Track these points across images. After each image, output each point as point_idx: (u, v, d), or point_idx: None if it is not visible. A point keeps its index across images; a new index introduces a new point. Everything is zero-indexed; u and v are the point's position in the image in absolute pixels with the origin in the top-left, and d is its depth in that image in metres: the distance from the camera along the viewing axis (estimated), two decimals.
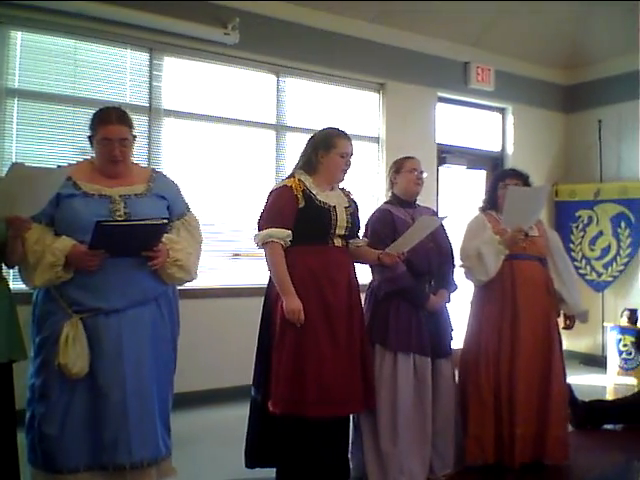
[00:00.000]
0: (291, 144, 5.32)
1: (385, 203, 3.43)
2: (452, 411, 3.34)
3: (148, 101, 4.72)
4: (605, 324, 6.11)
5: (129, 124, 2.59)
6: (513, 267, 3.42)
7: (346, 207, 3.01)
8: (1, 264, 2.52)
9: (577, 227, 6.63)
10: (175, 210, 2.71)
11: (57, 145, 4.34)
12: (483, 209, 3.68)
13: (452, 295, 3.38)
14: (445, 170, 6.29)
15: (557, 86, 7.01)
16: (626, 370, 5.61)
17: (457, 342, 3.46)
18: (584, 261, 6.52)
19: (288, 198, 2.87)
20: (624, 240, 6.29)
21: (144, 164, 4.36)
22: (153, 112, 4.72)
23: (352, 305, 2.94)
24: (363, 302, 3.14)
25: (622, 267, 6.28)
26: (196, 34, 4.74)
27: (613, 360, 5.74)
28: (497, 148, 6.73)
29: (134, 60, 4.69)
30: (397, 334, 3.14)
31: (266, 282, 3.04)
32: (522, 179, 3.56)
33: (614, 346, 5.75)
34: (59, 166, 2.73)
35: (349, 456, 3.13)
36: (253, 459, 3.03)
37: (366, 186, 5.62)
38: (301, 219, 2.86)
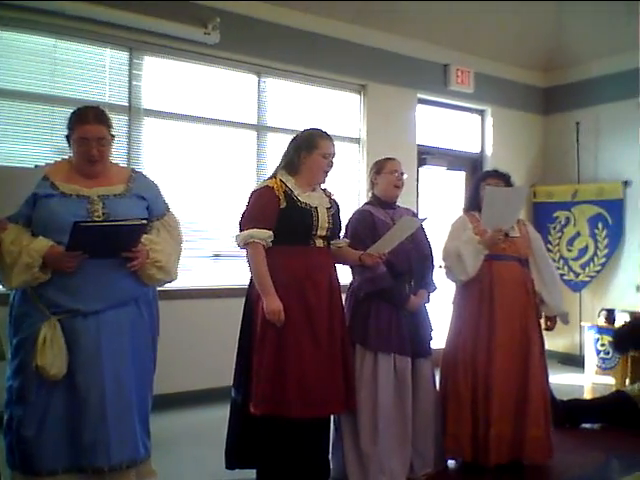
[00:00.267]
0: (272, 144, 5.31)
1: (365, 204, 3.45)
2: (432, 410, 3.35)
3: (128, 100, 4.68)
4: (583, 324, 6.18)
5: (107, 123, 2.57)
6: (492, 267, 3.45)
7: (328, 208, 3.01)
8: None
9: (555, 228, 6.71)
10: (155, 210, 2.69)
11: (35, 145, 4.29)
12: (466, 209, 3.70)
13: (431, 295, 3.41)
14: (425, 171, 6.32)
15: (536, 88, 7.09)
16: (604, 369, 5.68)
17: (437, 342, 3.48)
18: (562, 261, 6.59)
19: (270, 198, 2.87)
20: (601, 241, 6.37)
21: (124, 164, 4.33)
22: (133, 112, 4.69)
23: (333, 306, 2.95)
24: (344, 302, 3.15)
25: (599, 267, 6.36)
26: (176, 34, 4.72)
27: (591, 359, 5.81)
28: (476, 149, 6.78)
29: (114, 59, 4.65)
30: (377, 334, 3.15)
31: (247, 283, 3.03)
32: (504, 180, 3.60)
33: (592, 346, 5.82)
34: (37, 166, 2.70)
35: (329, 456, 3.14)
36: (233, 460, 3.03)
37: (347, 187, 5.63)
38: (283, 220, 2.86)
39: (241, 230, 2.89)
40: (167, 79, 4.90)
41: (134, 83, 4.71)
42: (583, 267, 6.47)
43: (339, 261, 3.15)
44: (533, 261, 3.60)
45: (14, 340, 2.49)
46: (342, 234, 3.22)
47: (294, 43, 5.32)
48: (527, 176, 6.77)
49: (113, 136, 2.61)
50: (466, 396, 3.39)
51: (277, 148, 5.04)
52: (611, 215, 6.31)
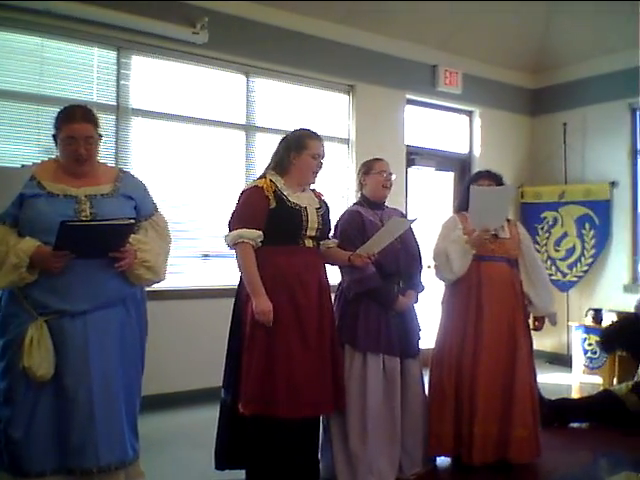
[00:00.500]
0: (261, 144, 5.30)
1: (354, 204, 3.45)
2: (420, 410, 3.36)
3: (115, 100, 4.65)
4: (570, 323, 6.22)
5: (94, 122, 2.55)
6: (480, 268, 3.46)
7: (317, 208, 3.01)
8: None
9: (542, 228, 6.74)
10: (143, 210, 2.68)
11: (22, 144, 4.26)
12: (457, 210, 3.71)
13: (419, 296, 3.41)
14: (414, 171, 6.33)
15: (523, 89, 7.12)
16: (591, 369, 5.72)
17: (425, 342, 3.49)
18: (549, 262, 6.62)
19: (259, 199, 2.86)
20: (588, 241, 6.42)
21: (112, 164, 4.30)
22: (121, 111, 4.66)
23: (323, 306, 2.94)
24: (333, 303, 3.15)
25: (586, 267, 6.40)
26: (164, 33, 4.70)
27: (578, 359, 5.85)
28: (465, 150, 6.81)
29: (101, 59, 4.62)
30: (366, 334, 3.15)
31: (236, 283, 3.03)
32: (496, 180, 3.60)
33: (579, 345, 5.86)
34: (23, 165, 2.68)
35: (319, 457, 3.13)
36: (223, 461, 3.02)
37: (336, 187, 5.63)
38: (272, 220, 2.86)
39: (230, 230, 2.88)
40: (155, 79, 4.88)
41: (122, 82, 4.68)
42: (570, 267, 6.51)
43: (328, 261, 3.15)
44: (522, 262, 3.61)
45: (1, 341, 2.46)
46: (331, 234, 3.22)
47: (283, 43, 5.32)
48: (515, 177, 6.80)
49: (100, 135, 2.59)
50: (450, 395, 3.41)
51: (266, 148, 5.04)
52: (598, 215, 6.36)
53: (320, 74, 5.60)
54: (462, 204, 3.65)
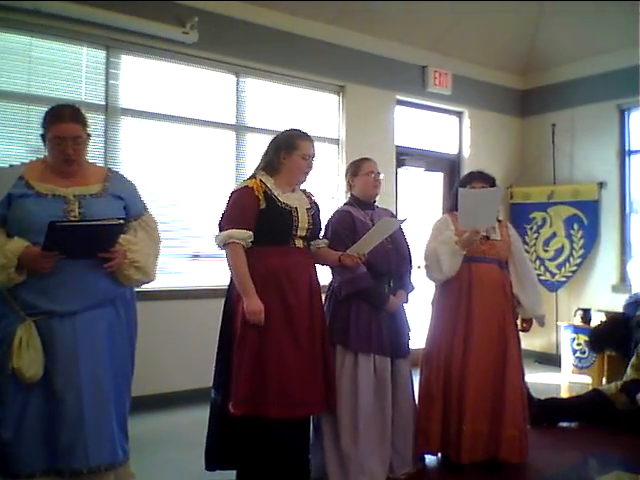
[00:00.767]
0: (251, 145, 5.29)
1: (345, 204, 3.45)
2: (410, 410, 3.37)
3: (104, 99, 4.63)
4: (559, 323, 6.25)
5: (83, 122, 2.53)
6: (471, 269, 3.47)
7: (307, 209, 3.01)
8: None
9: (531, 228, 6.78)
10: (132, 210, 2.66)
11: (10, 144, 4.23)
12: (449, 209, 3.72)
13: (410, 296, 3.42)
14: (403, 172, 6.34)
15: (513, 90, 7.16)
16: (580, 368, 5.75)
17: (415, 342, 3.50)
18: (538, 262, 6.66)
19: (249, 199, 2.86)
20: (577, 241, 6.46)
21: (101, 164, 4.29)
22: (110, 111, 4.64)
23: (313, 306, 2.94)
24: (324, 303, 3.15)
25: (575, 267, 6.44)
26: (154, 32, 4.69)
27: (567, 359, 5.87)
28: (454, 151, 6.83)
29: (90, 58, 4.60)
30: (358, 335, 3.16)
31: (226, 283, 3.02)
32: (489, 182, 3.61)
33: (568, 345, 5.88)
34: (12, 165, 2.66)
35: (309, 457, 3.13)
36: (213, 462, 3.01)
37: (326, 187, 5.63)
38: (262, 220, 2.85)
39: (220, 230, 2.88)
40: (145, 78, 4.86)
41: (111, 82, 4.66)
42: (559, 267, 6.55)
43: (319, 262, 3.15)
44: (512, 263, 3.62)
45: None
46: (322, 235, 3.22)
47: (273, 43, 5.31)
48: (504, 177, 6.83)
49: (89, 135, 2.58)
50: (438, 395, 3.42)
51: (256, 148, 5.03)
52: (587, 216, 6.40)
53: (310, 74, 5.60)
54: (454, 204, 3.65)
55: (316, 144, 3.11)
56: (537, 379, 5.61)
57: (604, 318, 5.64)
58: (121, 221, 2.49)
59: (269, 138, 3.10)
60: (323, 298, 3.13)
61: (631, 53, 5.81)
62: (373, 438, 3.17)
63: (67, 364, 2.41)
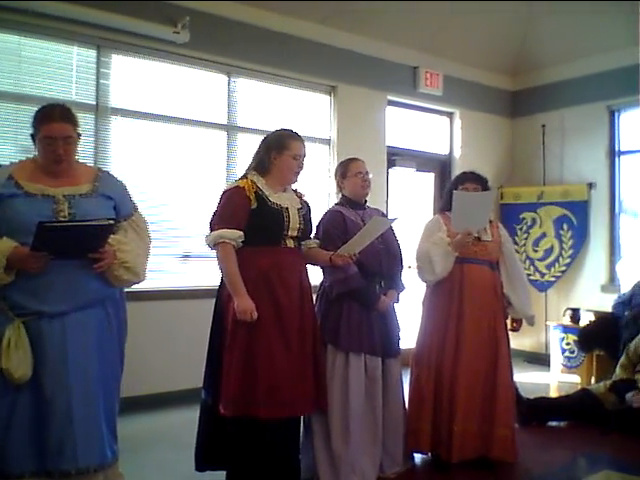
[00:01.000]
0: (242, 145, 5.29)
1: (336, 204, 3.46)
2: (400, 410, 3.38)
3: (95, 99, 4.61)
4: (548, 323, 6.28)
5: (73, 122, 2.52)
6: (463, 270, 3.49)
7: (299, 209, 3.01)
8: None
9: (521, 229, 6.81)
10: (122, 210, 2.65)
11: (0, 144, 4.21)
12: (441, 210, 3.74)
13: (400, 295, 3.43)
14: (394, 172, 6.35)
15: (503, 91, 7.19)
16: (569, 368, 5.79)
17: (405, 342, 3.51)
18: (528, 262, 6.69)
19: (240, 199, 2.86)
20: (566, 241, 6.49)
21: (91, 164, 4.27)
22: (100, 110, 4.62)
23: (304, 306, 2.94)
24: (314, 303, 3.15)
25: (564, 267, 6.47)
26: (145, 32, 4.67)
27: (556, 358, 5.91)
28: (445, 151, 6.85)
29: (81, 57, 4.57)
30: (349, 334, 3.16)
31: (217, 284, 3.02)
32: (481, 183, 3.63)
33: (557, 344, 5.92)
34: (0, 165, 2.64)
35: (299, 457, 3.13)
36: (203, 462, 3.01)
37: (317, 187, 5.63)
38: (253, 220, 2.85)
39: (211, 230, 2.88)
40: (135, 78, 4.84)
41: (102, 81, 4.64)
42: (549, 267, 6.58)
43: (310, 262, 3.16)
44: (503, 264, 3.64)
45: None
46: (313, 234, 3.22)
47: (264, 43, 5.31)
48: (494, 178, 6.83)
49: (79, 135, 2.56)
50: (428, 394, 3.44)
51: (247, 148, 5.03)
52: (576, 216, 6.43)
53: (302, 75, 5.60)
54: (446, 204, 3.67)
55: (307, 144, 3.11)
56: (526, 378, 5.63)
57: (593, 318, 5.68)
58: (111, 221, 2.47)
59: (260, 138, 3.10)
60: (314, 298, 3.14)
61: (621, 54, 5.87)
62: (364, 438, 3.18)
63: (56, 365, 2.40)
